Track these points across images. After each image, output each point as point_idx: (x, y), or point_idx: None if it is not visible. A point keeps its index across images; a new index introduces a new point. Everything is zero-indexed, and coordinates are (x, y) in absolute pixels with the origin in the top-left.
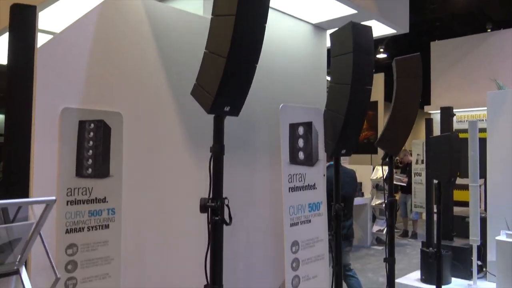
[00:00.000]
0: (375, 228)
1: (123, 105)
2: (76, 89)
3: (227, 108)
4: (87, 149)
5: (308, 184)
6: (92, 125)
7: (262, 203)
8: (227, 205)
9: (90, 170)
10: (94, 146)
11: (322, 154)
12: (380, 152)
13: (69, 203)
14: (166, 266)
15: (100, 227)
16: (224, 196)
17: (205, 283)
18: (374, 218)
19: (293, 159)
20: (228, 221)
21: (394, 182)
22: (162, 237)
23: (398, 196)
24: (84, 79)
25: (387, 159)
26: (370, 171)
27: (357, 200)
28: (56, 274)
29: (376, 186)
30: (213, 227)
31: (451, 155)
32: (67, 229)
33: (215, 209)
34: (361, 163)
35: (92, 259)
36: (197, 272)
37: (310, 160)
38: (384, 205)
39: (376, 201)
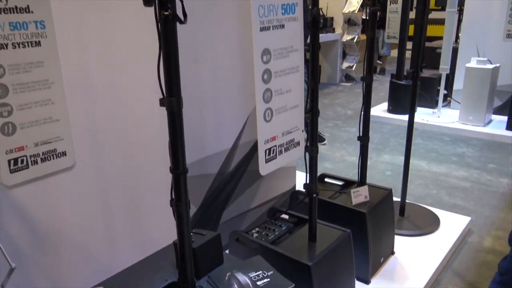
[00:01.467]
0: (345, 64)
1: None
2: None
3: None
4: None
5: None
6: None
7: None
8: None
9: None
10: None
11: None
12: None
13: None
14: (117, 86)
15: (29, 44)
16: None
17: (161, 97)
18: (344, 55)
19: None
20: (182, 18)
21: (365, 17)
22: (108, 51)
23: None
24: None
25: None
26: (342, 5)
27: (328, 36)
28: None
29: (348, 21)
30: (163, 26)
31: None
32: None
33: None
34: None
35: (27, 82)
36: (150, 90)
37: None
38: (355, 41)
39: (347, 37)
